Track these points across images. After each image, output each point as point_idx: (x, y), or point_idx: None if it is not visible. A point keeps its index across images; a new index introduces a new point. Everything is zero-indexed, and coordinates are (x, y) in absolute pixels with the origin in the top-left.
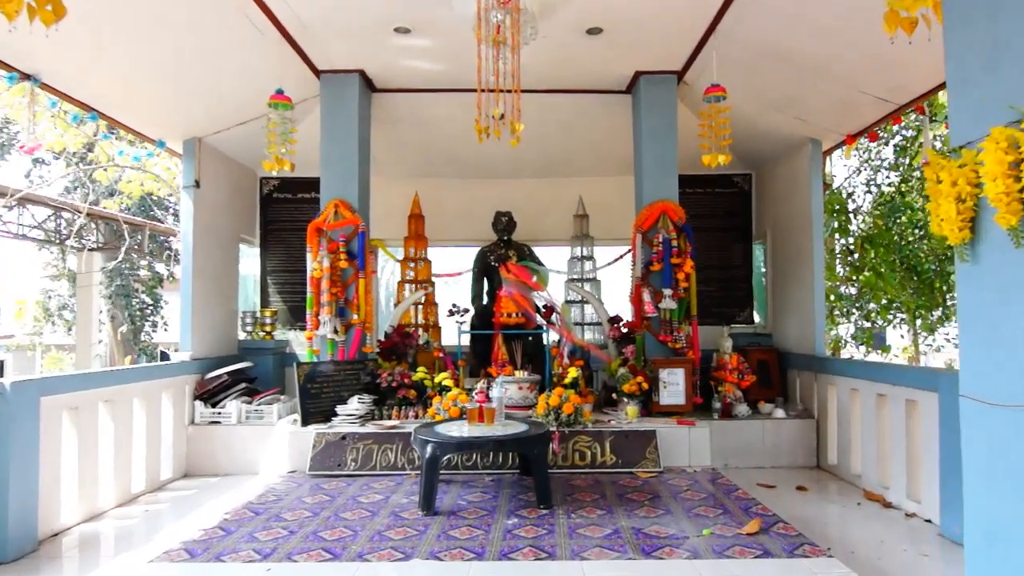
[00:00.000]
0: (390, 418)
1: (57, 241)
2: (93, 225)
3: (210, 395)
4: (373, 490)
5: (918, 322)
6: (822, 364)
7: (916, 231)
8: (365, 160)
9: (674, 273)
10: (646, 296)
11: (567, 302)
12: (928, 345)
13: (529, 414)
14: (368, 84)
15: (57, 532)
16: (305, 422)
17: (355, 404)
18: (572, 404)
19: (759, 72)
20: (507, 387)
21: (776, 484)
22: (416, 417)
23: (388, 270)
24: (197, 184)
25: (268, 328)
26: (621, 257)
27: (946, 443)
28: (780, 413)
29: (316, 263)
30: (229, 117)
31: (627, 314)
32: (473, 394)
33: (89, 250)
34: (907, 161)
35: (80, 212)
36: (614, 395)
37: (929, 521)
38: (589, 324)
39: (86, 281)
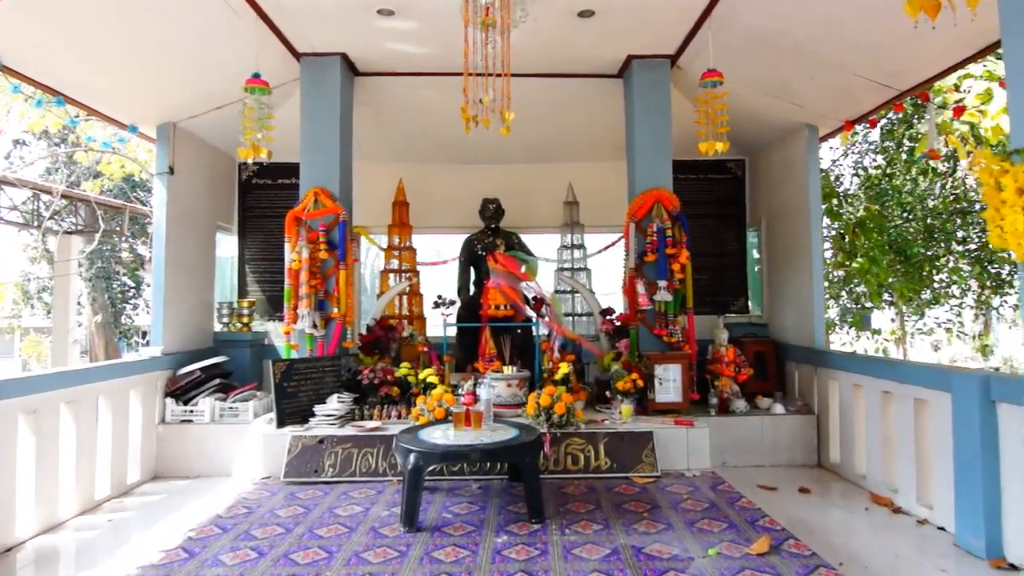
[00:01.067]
0: (371, 418)
1: (34, 224)
2: (72, 207)
3: (182, 392)
4: (352, 500)
5: (905, 306)
6: (822, 357)
7: (905, 214)
8: (347, 146)
9: (669, 264)
10: (640, 288)
11: (556, 292)
12: (918, 329)
13: (518, 413)
14: (350, 67)
15: (11, 547)
16: (281, 423)
17: (334, 403)
18: (564, 404)
19: (755, 57)
20: (495, 384)
21: (777, 486)
22: (399, 417)
23: (372, 258)
24: (171, 170)
25: (245, 319)
26: (612, 244)
27: (961, 447)
28: (779, 409)
29: (295, 254)
30: (205, 102)
31: (619, 305)
32: (459, 394)
33: (67, 233)
34: (893, 144)
35: (53, 194)
36: (608, 393)
37: (943, 529)
38: (580, 315)
39: (64, 265)
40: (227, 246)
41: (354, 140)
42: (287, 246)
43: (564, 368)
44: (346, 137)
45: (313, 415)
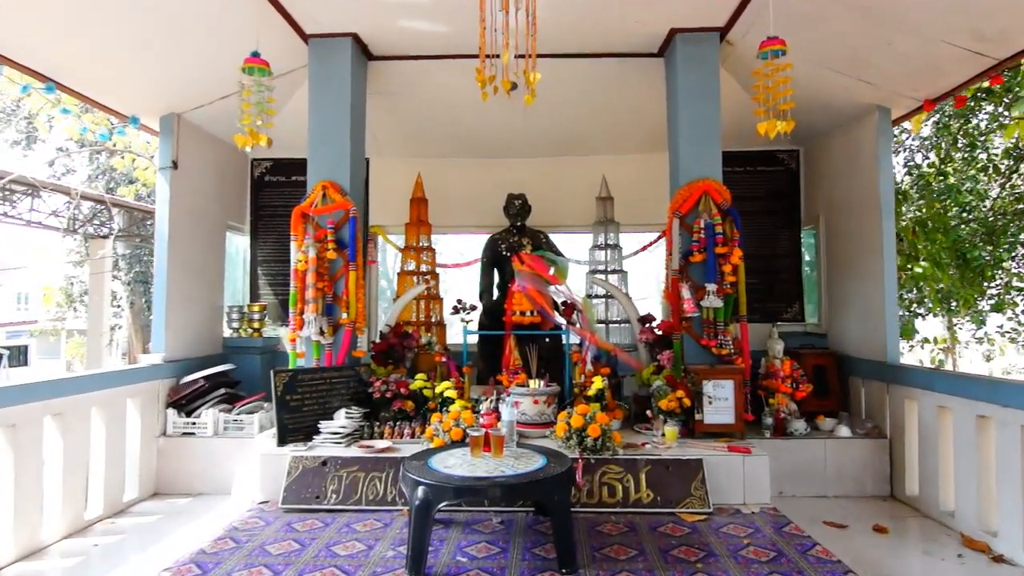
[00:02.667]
0: (382, 436)
1: (72, 229)
2: (107, 212)
3: (185, 402)
4: (355, 534)
5: (965, 314)
6: (897, 374)
7: (964, 214)
8: (359, 137)
9: (719, 265)
10: (685, 292)
11: (588, 297)
12: (976, 338)
13: (545, 433)
14: (363, 51)
15: None
16: (282, 441)
17: (342, 419)
18: (599, 425)
19: (818, 25)
20: (520, 400)
21: (847, 523)
22: (412, 436)
23: (393, 261)
24: (175, 165)
25: (256, 324)
26: (652, 244)
27: None
28: (845, 431)
29: (300, 253)
30: (210, 91)
31: (655, 312)
32: (479, 414)
33: (102, 237)
34: (948, 139)
35: (72, 196)
36: (649, 412)
37: None
38: (614, 323)
39: (98, 268)
40: (239, 249)
41: (369, 134)
42: (293, 245)
43: (598, 383)
44: (358, 126)
45: (318, 432)
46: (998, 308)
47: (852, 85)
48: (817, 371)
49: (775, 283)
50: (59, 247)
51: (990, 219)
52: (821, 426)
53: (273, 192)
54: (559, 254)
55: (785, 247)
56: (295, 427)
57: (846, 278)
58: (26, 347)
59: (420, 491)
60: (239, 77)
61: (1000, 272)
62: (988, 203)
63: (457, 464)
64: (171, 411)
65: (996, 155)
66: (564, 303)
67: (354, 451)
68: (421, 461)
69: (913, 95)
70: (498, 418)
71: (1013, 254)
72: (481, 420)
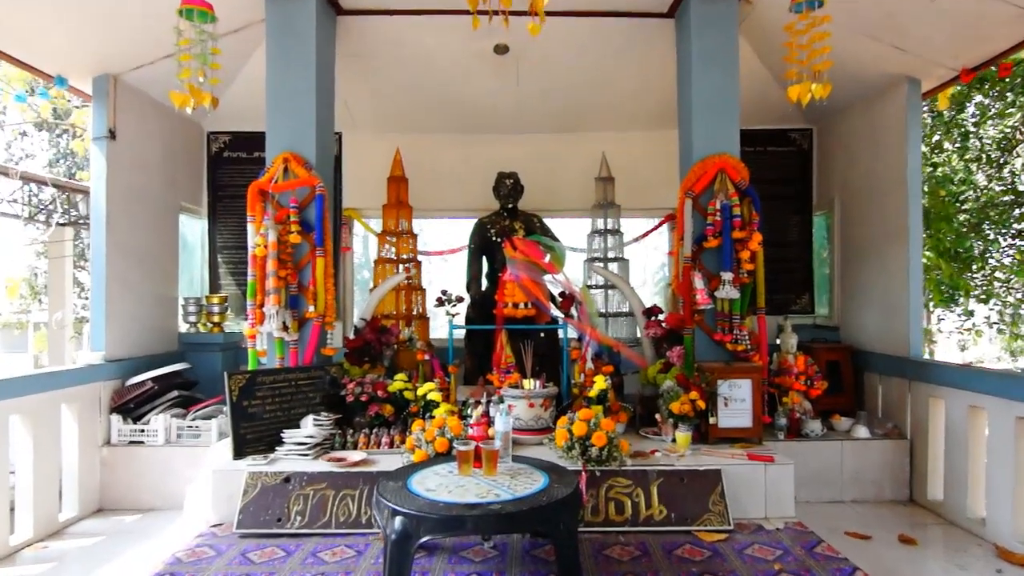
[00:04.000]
0: (356, 446)
1: (26, 216)
2: (68, 199)
3: (132, 407)
4: (322, 565)
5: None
6: (921, 370)
7: (956, 204)
8: (327, 102)
9: (735, 251)
10: (698, 282)
11: (587, 287)
12: (966, 329)
13: (543, 441)
14: (330, 1)
15: None
16: (239, 453)
17: (309, 428)
18: (604, 433)
19: None
20: (514, 404)
21: (870, 533)
22: (391, 446)
23: (373, 248)
24: (111, 134)
25: (216, 318)
26: (656, 228)
27: None
28: (863, 432)
29: (259, 237)
30: (153, 48)
31: (657, 304)
32: (467, 421)
33: (59, 224)
34: (940, 131)
35: (11, 177)
36: (658, 416)
37: None
38: (615, 315)
39: (57, 255)
40: (195, 231)
41: (341, 104)
42: (250, 227)
43: (600, 383)
44: (325, 90)
45: (280, 443)
46: (987, 298)
47: (882, 53)
48: (830, 367)
49: (783, 272)
50: (21, 236)
51: (980, 210)
52: (837, 426)
53: (233, 169)
54: (555, 239)
55: (795, 234)
56: (254, 437)
57: (863, 267)
58: None
59: (398, 522)
60: (176, 22)
61: (990, 262)
62: (975, 194)
63: (442, 485)
64: (116, 417)
65: (989, 145)
66: (561, 294)
67: (322, 465)
68: (399, 482)
69: (950, 63)
70: (489, 424)
71: (1001, 245)
72: (470, 431)
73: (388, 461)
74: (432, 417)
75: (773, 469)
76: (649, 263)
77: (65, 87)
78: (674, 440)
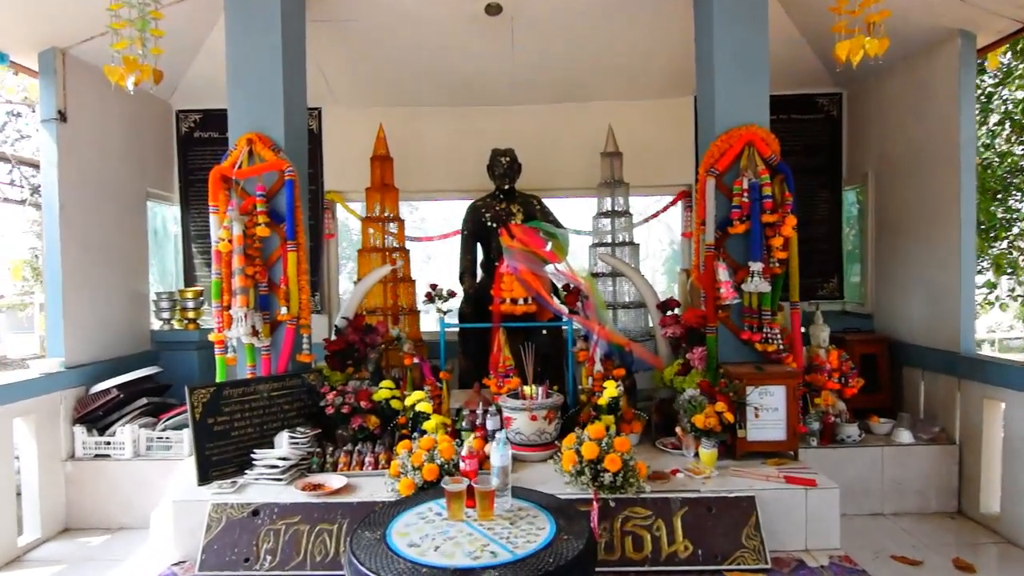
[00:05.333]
0: (335, 467)
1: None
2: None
3: (97, 417)
4: None
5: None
6: (975, 368)
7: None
8: (296, 74)
9: (765, 237)
10: (722, 273)
11: (592, 275)
12: (988, 302)
13: (547, 458)
14: None
15: None
16: (204, 478)
17: (284, 447)
18: (618, 455)
19: None
20: (513, 416)
21: (921, 557)
22: (375, 466)
23: (346, 232)
24: (61, 116)
25: (192, 314)
26: (668, 207)
27: None
28: (905, 436)
29: (223, 230)
30: (106, 17)
31: (669, 289)
32: (459, 448)
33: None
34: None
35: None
36: (678, 429)
37: None
38: (624, 306)
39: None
40: (165, 220)
41: (320, 76)
42: (213, 219)
43: (611, 389)
44: (294, 61)
45: (251, 466)
46: (1011, 268)
47: (930, 2)
48: (865, 361)
49: (809, 253)
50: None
51: (1002, 177)
52: (875, 429)
53: (206, 151)
54: (558, 225)
55: (823, 211)
56: (222, 459)
57: (902, 248)
58: None
59: None
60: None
61: (1011, 233)
62: (998, 160)
63: (428, 537)
64: (79, 429)
65: (1014, 109)
66: (565, 287)
67: (296, 494)
68: (377, 532)
69: (1012, 13)
70: (486, 439)
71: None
72: (463, 464)
73: (371, 486)
74: (422, 432)
75: (815, 494)
76: (656, 241)
77: (5, 63)
78: (697, 455)
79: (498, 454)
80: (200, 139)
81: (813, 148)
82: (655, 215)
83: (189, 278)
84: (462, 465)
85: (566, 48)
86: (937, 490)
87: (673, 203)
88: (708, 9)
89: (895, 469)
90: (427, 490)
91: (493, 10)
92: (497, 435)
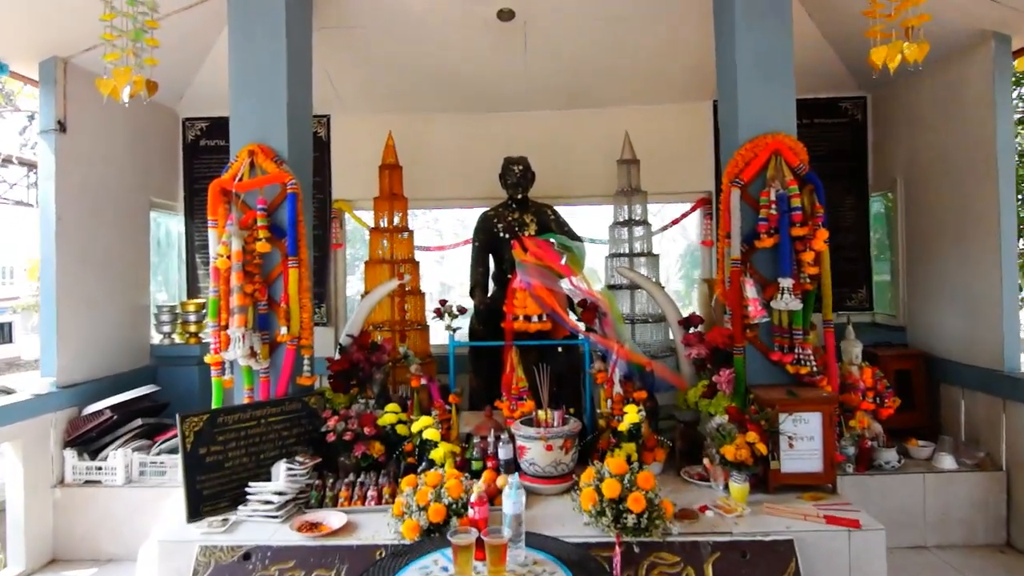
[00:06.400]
0: (336, 502)
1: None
2: None
3: (90, 439)
4: None
5: None
6: (1020, 388)
7: None
8: (302, 83)
9: (795, 252)
10: (750, 290)
11: (610, 288)
12: None
13: (563, 492)
14: None
15: None
16: (194, 514)
17: (281, 480)
18: (642, 494)
19: None
20: (527, 445)
21: None
22: (379, 501)
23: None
24: (61, 127)
25: (193, 327)
26: (686, 215)
27: None
28: (948, 461)
29: (221, 245)
30: (109, 26)
31: (686, 298)
32: (468, 485)
33: None
34: None
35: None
36: (706, 461)
37: None
38: (642, 320)
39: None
40: (170, 230)
41: (327, 82)
42: (212, 234)
43: (632, 414)
44: (300, 68)
45: (245, 500)
46: None
47: (963, 3)
48: (899, 377)
49: (837, 262)
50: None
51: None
52: (914, 453)
53: (212, 160)
54: (574, 236)
55: (849, 218)
56: (214, 492)
57: (936, 258)
58: (10, 324)
59: None
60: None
61: None
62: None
63: None
64: (70, 453)
65: None
66: (582, 303)
67: (291, 535)
68: None
69: None
70: (497, 469)
71: None
72: (471, 512)
73: (373, 525)
74: (429, 462)
75: (859, 537)
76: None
77: (5, 73)
78: (726, 488)
79: (511, 501)
80: (206, 147)
81: (837, 153)
82: (673, 223)
83: (192, 290)
84: (471, 512)
85: (580, 52)
86: (984, 520)
87: (690, 211)
88: (729, 11)
89: (938, 498)
90: (433, 534)
91: (505, 15)
92: (510, 480)
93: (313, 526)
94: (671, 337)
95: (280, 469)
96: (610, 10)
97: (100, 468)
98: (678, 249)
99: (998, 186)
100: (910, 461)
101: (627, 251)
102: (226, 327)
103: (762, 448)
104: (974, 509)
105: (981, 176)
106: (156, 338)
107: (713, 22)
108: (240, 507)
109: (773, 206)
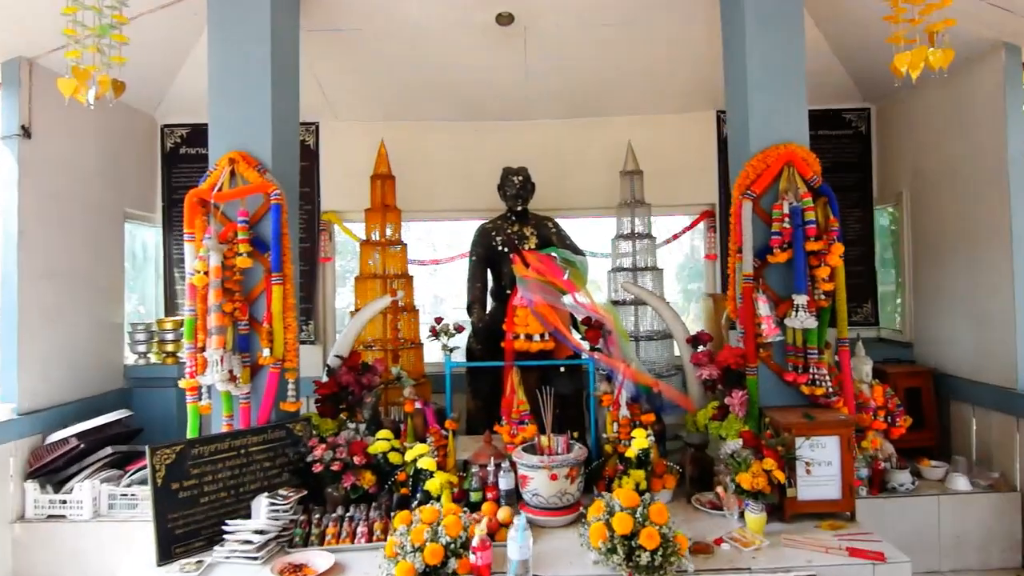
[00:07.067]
0: (323, 538)
1: None
2: None
3: (53, 470)
4: None
5: None
6: None
7: None
8: (288, 85)
9: (809, 267)
10: (763, 308)
11: (613, 303)
12: None
13: (570, 521)
14: None
15: None
16: (164, 556)
17: (262, 517)
18: (656, 529)
19: None
20: (530, 475)
21: None
22: (369, 536)
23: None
24: (25, 132)
25: (171, 347)
26: (690, 228)
27: None
28: (961, 483)
29: (199, 260)
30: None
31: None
32: (473, 546)
33: None
34: None
35: None
36: (720, 489)
37: None
38: (647, 338)
39: None
40: (146, 243)
41: (317, 90)
42: (188, 248)
43: (640, 439)
44: (285, 71)
45: (222, 539)
46: None
47: (972, 12)
48: (908, 395)
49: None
50: None
51: None
52: (926, 473)
53: (193, 168)
54: (576, 250)
55: (854, 231)
56: (187, 531)
57: (944, 272)
58: None
59: None
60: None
61: None
62: None
63: None
64: (31, 485)
65: None
66: (586, 320)
67: None
68: None
69: None
70: (498, 501)
71: None
72: (473, 558)
73: (363, 566)
74: (425, 494)
75: (884, 571)
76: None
77: None
78: (741, 517)
79: (517, 545)
80: (187, 155)
81: (841, 165)
82: (676, 236)
83: (170, 306)
84: (472, 558)
85: (582, 60)
86: (1000, 543)
87: (694, 224)
88: (739, 18)
89: (953, 521)
90: None
91: (505, 19)
92: (516, 521)
93: (297, 568)
94: (676, 354)
95: (261, 504)
96: (612, 17)
97: (65, 501)
98: (675, 261)
99: (1010, 197)
100: (923, 483)
101: (630, 265)
102: (203, 349)
103: (780, 476)
104: (989, 532)
105: (992, 187)
106: (130, 358)
107: (721, 29)
108: (216, 547)
109: (786, 219)
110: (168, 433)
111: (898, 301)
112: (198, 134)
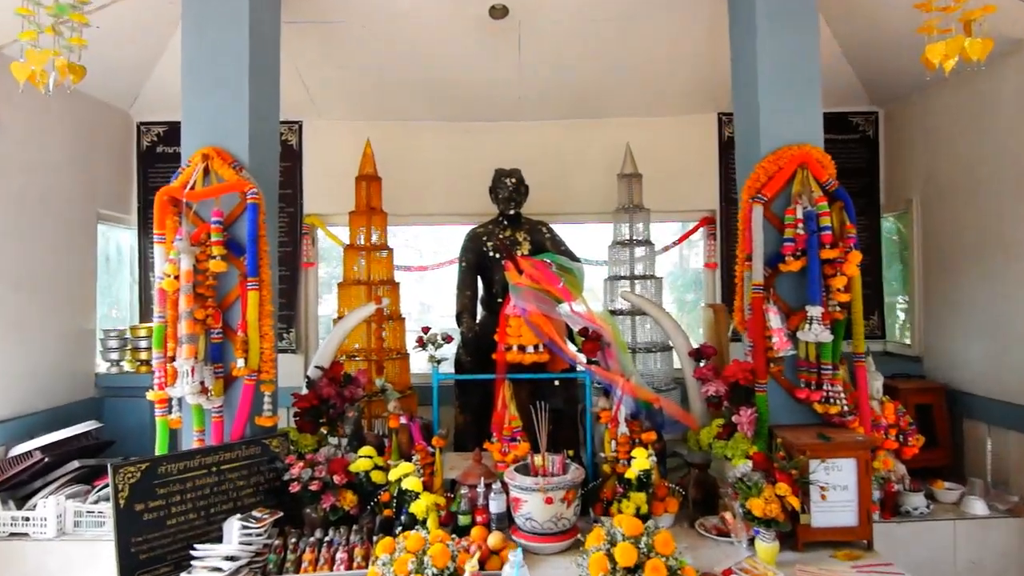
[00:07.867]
0: (299, 565)
1: None
2: None
3: (16, 485)
4: None
5: None
6: None
7: None
8: (267, 78)
9: (824, 276)
10: (774, 320)
11: (610, 312)
12: None
13: (566, 547)
14: None
15: None
16: None
17: (234, 541)
18: (662, 561)
19: None
20: (523, 497)
21: None
22: (349, 563)
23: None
24: None
25: (145, 355)
26: (689, 234)
27: None
28: (978, 506)
29: (169, 263)
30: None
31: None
32: (455, 543)
33: None
34: None
35: None
36: (729, 515)
37: None
38: (644, 350)
39: None
40: (121, 245)
41: (299, 84)
42: (158, 250)
43: (641, 460)
44: (265, 64)
45: (189, 567)
46: None
47: (1002, 7)
48: (919, 412)
49: None
50: None
51: None
52: (940, 496)
53: (170, 168)
54: (572, 257)
55: (860, 239)
56: (153, 556)
57: (958, 283)
58: None
59: None
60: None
61: None
62: None
63: None
64: None
65: None
66: (583, 331)
67: None
68: None
69: None
70: (488, 525)
71: None
72: None
73: None
74: (410, 516)
75: None
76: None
77: None
78: (751, 544)
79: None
80: (164, 154)
81: (848, 171)
82: (675, 243)
83: (146, 312)
84: None
85: (579, 57)
86: (1019, 571)
87: (694, 231)
88: (749, 14)
89: (970, 547)
90: None
91: (498, 12)
92: (511, 557)
93: None
94: (676, 367)
95: (233, 527)
96: (611, 13)
97: (27, 519)
98: (665, 270)
99: None
100: (938, 506)
101: (628, 273)
102: (173, 358)
103: (794, 502)
104: (1008, 560)
105: (1012, 194)
106: (102, 366)
107: (728, 26)
108: (183, 574)
109: (800, 225)
110: (141, 446)
111: (899, 311)
112: (175, 132)
